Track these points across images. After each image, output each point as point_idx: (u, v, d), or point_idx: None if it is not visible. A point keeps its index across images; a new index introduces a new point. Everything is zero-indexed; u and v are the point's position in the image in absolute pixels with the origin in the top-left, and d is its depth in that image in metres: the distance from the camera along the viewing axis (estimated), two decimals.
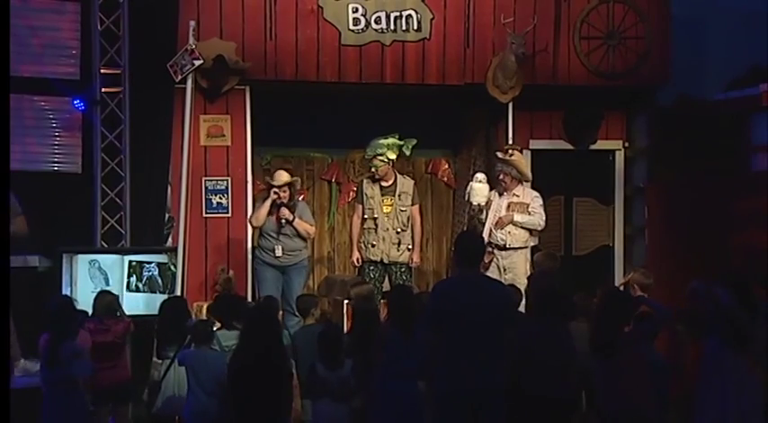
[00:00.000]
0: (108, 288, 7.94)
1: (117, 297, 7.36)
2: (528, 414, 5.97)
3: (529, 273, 8.73)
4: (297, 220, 8.51)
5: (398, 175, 9.02)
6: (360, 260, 8.96)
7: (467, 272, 5.81)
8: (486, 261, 8.51)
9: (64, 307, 6.71)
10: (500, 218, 8.72)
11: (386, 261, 8.80)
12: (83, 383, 6.52)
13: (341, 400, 6.30)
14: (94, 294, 7.93)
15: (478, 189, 8.87)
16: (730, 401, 5.66)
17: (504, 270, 8.69)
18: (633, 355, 5.88)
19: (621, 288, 7.43)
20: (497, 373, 5.61)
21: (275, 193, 8.43)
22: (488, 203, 8.88)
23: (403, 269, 8.85)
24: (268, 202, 8.44)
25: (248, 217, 8.83)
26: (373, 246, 8.80)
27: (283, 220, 8.45)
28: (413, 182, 9.16)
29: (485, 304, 5.64)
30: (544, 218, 8.78)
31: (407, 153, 9.16)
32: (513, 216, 8.71)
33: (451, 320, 5.64)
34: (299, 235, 8.54)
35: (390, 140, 8.82)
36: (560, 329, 6.28)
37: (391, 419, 6.06)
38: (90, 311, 7.14)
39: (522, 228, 8.72)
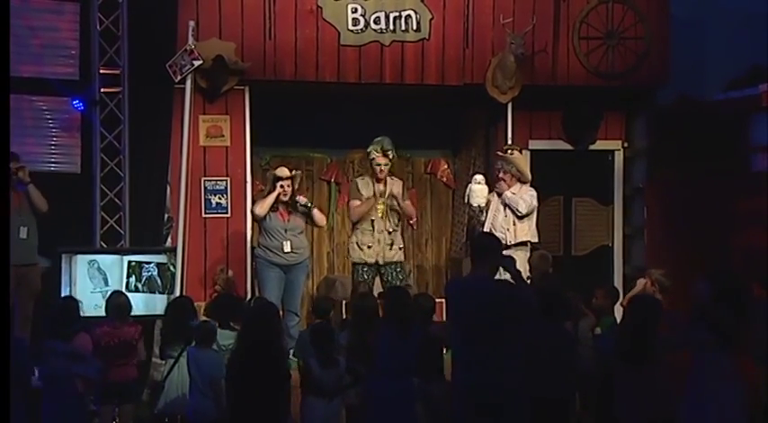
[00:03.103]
0: (108, 288, 7.96)
1: (128, 299, 7.37)
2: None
3: (529, 273, 8.74)
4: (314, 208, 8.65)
5: (387, 177, 9.00)
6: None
7: (481, 271, 5.79)
8: None
9: (62, 308, 6.74)
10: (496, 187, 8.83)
11: (381, 262, 8.79)
12: (86, 383, 6.53)
13: (333, 397, 6.32)
14: (95, 294, 7.98)
15: (478, 190, 8.88)
16: (713, 401, 5.63)
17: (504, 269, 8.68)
18: (665, 363, 5.87)
19: (645, 287, 7.45)
20: (514, 372, 5.60)
21: (281, 186, 8.44)
22: (488, 204, 8.90)
23: (398, 269, 8.84)
24: (273, 195, 8.46)
25: (251, 208, 8.75)
26: (369, 247, 8.78)
27: (305, 205, 8.51)
28: (401, 182, 9.14)
29: (499, 304, 5.63)
30: (528, 204, 8.78)
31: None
32: (504, 190, 8.78)
33: (467, 320, 5.64)
34: (313, 221, 8.58)
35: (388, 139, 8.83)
36: (561, 330, 6.27)
37: (385, 417, 6.06)
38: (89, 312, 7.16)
39: (520, 220, 8.74)
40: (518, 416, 5.60)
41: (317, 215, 8.67)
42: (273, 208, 8.49)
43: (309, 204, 8.58)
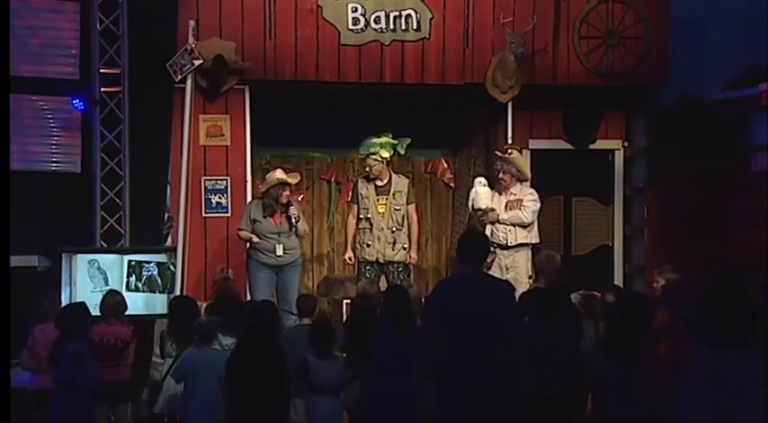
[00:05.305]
0: (108, 288, 7.95)
1: (123, 298, 7.38)
2: (526, 415, 5.96)
3: (530, 272, 8.74)
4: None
5: (393, 175, 9.04)
6: (352, 259, 8.99)
7: (469, 270, 5.80)
8: (489, 260, 8.51)
9: (75, 308, 6.73)
10: (488, 214, 8.74)
11: (381, 261, 8.81)
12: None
13: (334, 394, 6.32)
14: (95, 294, 7.96)
15: (483, 193, 8.86)
16: (708, 402, 5.63)
17: (507, 269, 8.72)
18: (656, 357, 5.88)
19: (658, 285, 7.47)
20: (499, 369, 5.60)
21: (286, 195, 8.44)
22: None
23: (400, 268, 8.85)
24: (252, 238, 8.49)
25: (237, 226, 8.75)
26: (368, 245, 8.81)
27: (293, 220, 8.47)
28: (408, 181, 9.18)
29: (487, 302, 5.63)
30: (532, 212, 8.79)
31: (402, 152, 9.17)
32: (497, 214, 8.73)
33: (453, 318, 5.63)
34: (294, 233, 8.56)
35: (383, 139, 8.83)
36: (560, 329, 6.27)
37: (383, 416, 6.07)
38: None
39: (511, 224, 8.75)
40: (503, 413, 5.61)
41: (300, 227, 8.62)
42: (272, 212, 8.49)
43: (298, 219, 8.55)
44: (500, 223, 8.77)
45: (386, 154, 8.84)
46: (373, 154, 8.78)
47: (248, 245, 8.64)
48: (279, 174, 8.52)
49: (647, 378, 5.75)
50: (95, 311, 7.31)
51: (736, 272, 5.94)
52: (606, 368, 5.96)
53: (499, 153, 9.03)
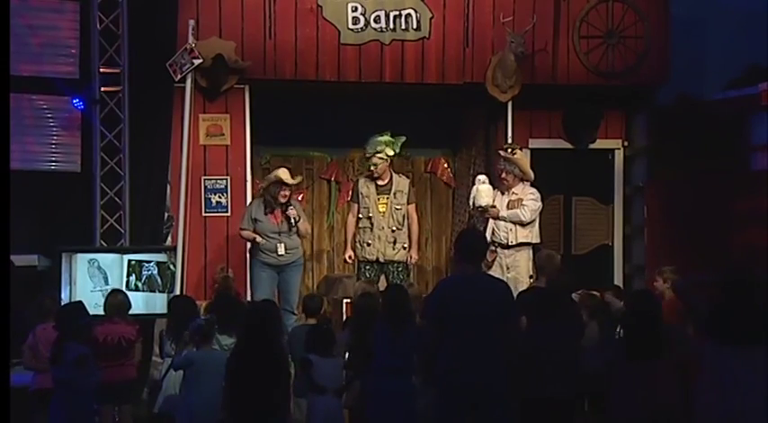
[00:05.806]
0: (108, 287, 7.95)
1: (127, 297, 7.38)
2: (526, 415, 5.96)
3: (531, 272, 8.74)
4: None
5: (394, 174, 9.04)
6: (352, 258, 8.98)
7: (468, 269, 5.80)
8: (490, 259, 8.52)
9: (74, 308, 6.72)
10: (487, 211, 8.74)
11: (381, 260, 8.81)
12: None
13: (336, 394, 6.33)
14: (95, 293, 7.97)
15: (484, 191, 8.86)
16: (722, 400, 5.63)
17: (508, 268, 8.71)
18: (670, 359, 5.88)
19: (659, 284, 7.47)
20: (498, 369, 5.61)
21: (285, 195, 8.43)
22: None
23: (400, 268, 8.85)
24: (254, 238, 8.47)
25: (240, 225, 8.72)
26: (369, 244, 8.81)
27: (292, 220, 8.46)
28: (408, 180, 9.19)
29: (486, 302, 5.63)
30: (531, 211, 8.75)
31: (397, 150, 9.17)
32: (498, 211, 8.73)
33: (453, 318, 5.64)
34: (296, 232, 8.56)
35: (386, 138, 8.83)
36: (560, 329, 6.26)
37: (383, 416, 6.07)
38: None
39: (510, 221, 8.74)
40: (502, 414, 5.61)
41: (302, 227, 8.62)
42: (272, 210, 8.49)
43: (297, 219, 8.55)
44: (499, 220, 8.78)
45: (391, 152, 8.85)
46: (379, 152, 8.78)
47: (249, 244, 8.64)
48: (280, 173, 8.52)
49: (666, 377, 5.73)
50: (95, 311, 7.33)
51: (747, 271, 5.94)
52: (613, 368, 5.93)
53: (503, 153, 9.02)
